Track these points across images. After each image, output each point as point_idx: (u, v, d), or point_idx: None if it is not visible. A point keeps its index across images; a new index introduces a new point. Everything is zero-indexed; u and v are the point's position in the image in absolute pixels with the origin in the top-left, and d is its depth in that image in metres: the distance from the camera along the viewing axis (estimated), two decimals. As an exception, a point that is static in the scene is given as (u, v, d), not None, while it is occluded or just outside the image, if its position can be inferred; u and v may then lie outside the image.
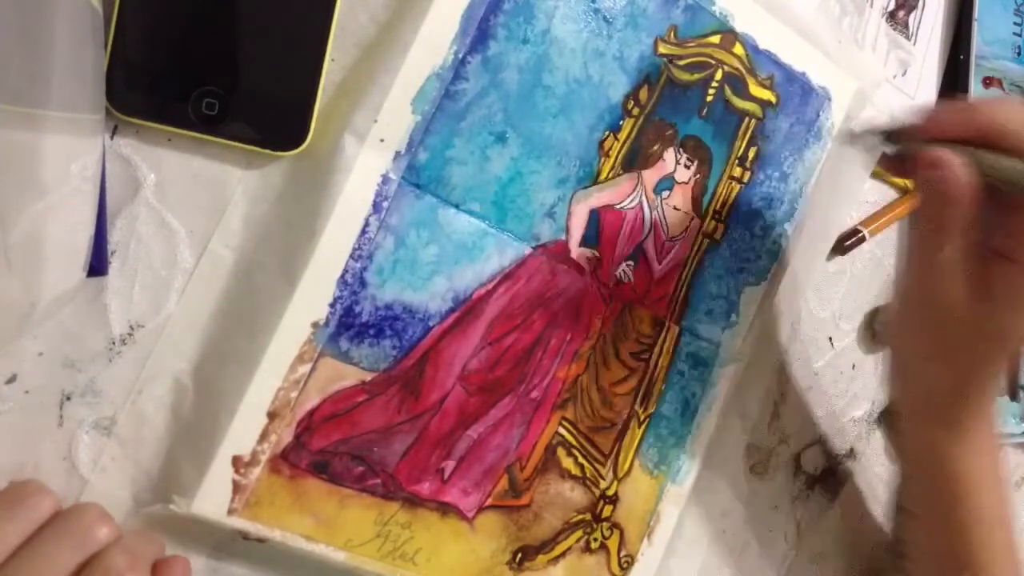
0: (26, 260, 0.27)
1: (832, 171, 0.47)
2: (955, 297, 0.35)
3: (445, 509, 0.39)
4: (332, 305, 0.35)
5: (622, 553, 0.45)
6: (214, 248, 0.34)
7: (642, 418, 0.44)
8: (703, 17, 0.41)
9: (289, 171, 0.35)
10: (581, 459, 0.43)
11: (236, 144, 0.33)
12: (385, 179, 0.35)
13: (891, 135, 0.37)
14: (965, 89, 0.51)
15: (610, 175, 0.41)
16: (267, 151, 0.34)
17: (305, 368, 0.35)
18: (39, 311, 0.28)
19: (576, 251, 0.40)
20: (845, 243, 0.50)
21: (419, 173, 0.36)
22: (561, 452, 0.42)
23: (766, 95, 0.44)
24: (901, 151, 0.37)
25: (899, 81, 0.50)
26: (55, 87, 0.27)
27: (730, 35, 0.42)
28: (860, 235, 0.50)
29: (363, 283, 0.36)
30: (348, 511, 0.37)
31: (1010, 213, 0.34)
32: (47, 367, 0.32)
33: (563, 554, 0.43)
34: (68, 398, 0.33)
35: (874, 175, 0.51)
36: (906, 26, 0.50)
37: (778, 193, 0.45)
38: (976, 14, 0.51)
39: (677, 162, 0.42)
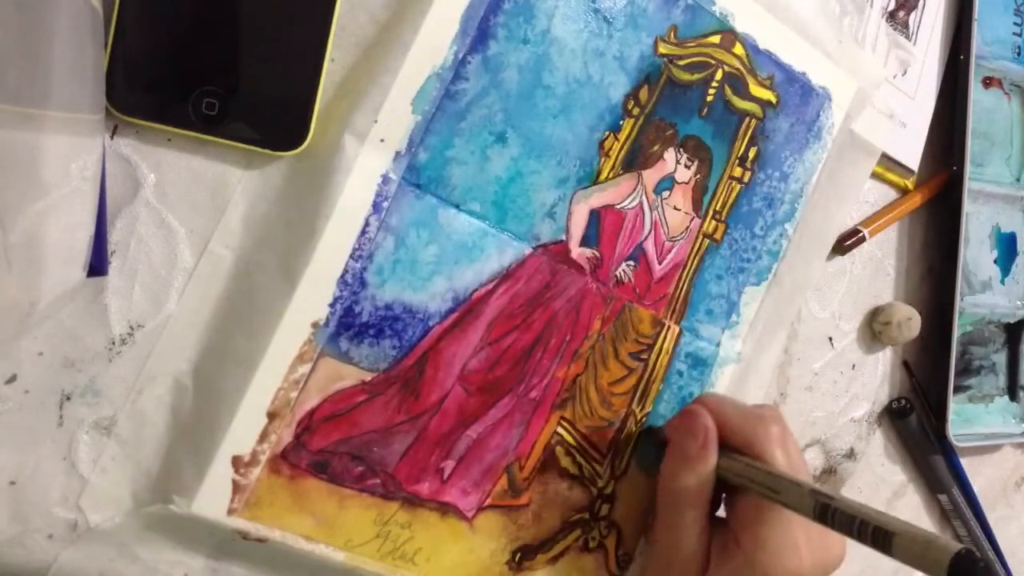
0: (26, 260, 0.27)
1: (832, 171, 0.47)
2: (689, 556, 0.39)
3: (445, 509, 0.39)
4: (332, 305, 0.35)
5: (620, 552, 0.45)
6: (214, 248, 0.34)
7: (640, 417, 0.44)
8: (703, 17, 0.41)
9: (289, 171, 0.35)
10: (579, 458, 0.43)
11: (236, 144, 0.33)
12: (385, 179, 0.35)
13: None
14: (965, 89, 0.51)
15: (610, 175, 0.41)
16: (267, 151, 0.34)
17: (305, 368, 0.35)
18: (39, 311, 0.28)
19: (576, 251, 0.40)
20: (845, 243, 0.50)
21: (419, 173, 0.36)
22: (560, 451, 0.42)
23: (766, 95, 0.44)
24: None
25: (899, 81, 0.50)
26: (55, 87, 0.27)
27: (730, 35, 0.42)
28: (860, 235, 0.50)
29: (363, 283, 0.36)
30: (348, 511, 0.37)
31: (734, 495, 0.39)
32: (47, 367, 0.32)
33: (562, 553, 0.43)
34: (68, 398, 0.33)
35: (874, 175, 0.51)
36: (906, 26, 0.50)
37: (778, 193, 0.45)
38: (976, 14, 0.51)
39: (677, 162, 0.42)
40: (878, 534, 0.31)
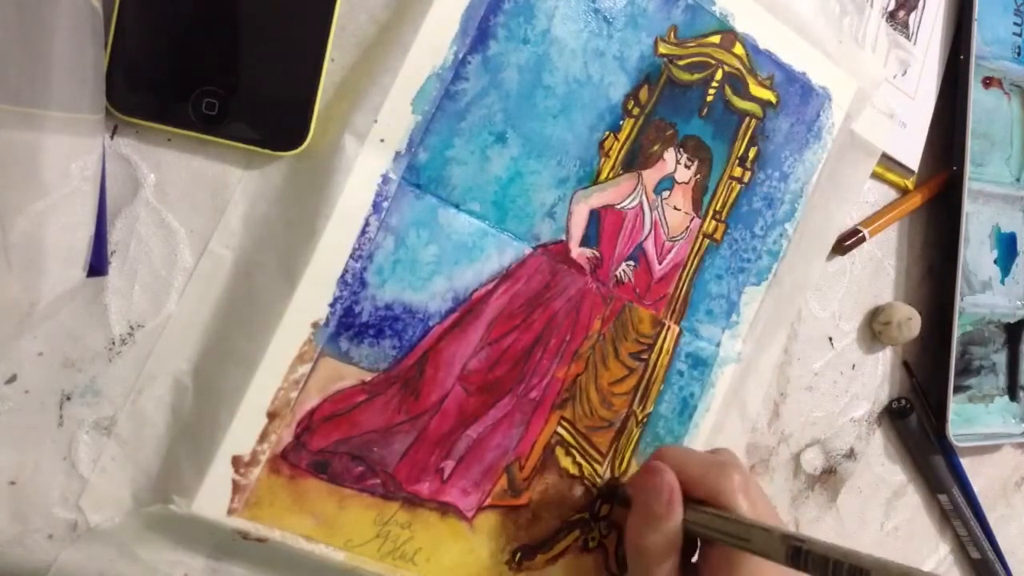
0: (26, 260, 0.27)
1: (832, 171, 0.47)
2: None
3: (445, 509, 0.39)
4: (332, 305, 0.35)
5: (620, 551, 0.45)
6: (214, 248, 0.34)
7: (640, 417, 0.44)
8: (703, 17, 0.41)
9: (289, 171, 0.35)
10: (579, 458, 0.43)
11: (236, 144, 0.33)
12: (385, 179, 0.35)
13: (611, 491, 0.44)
14: (965, 89, 0.51)
15: (610, 175, 0.41)
16: (267, 151, 0.34)
17: (305, 368, 0.35)
18: (39, 311, 0.28)
19: (576, 251, 0.40)
20: (845, 243, 0.50)
21: (419, 173, 0.36)
22: (560, 452, 0.42)
23: (766, 95, 0.44)
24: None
25: (899, 81, 0.50)
26: (55, 87, 0.27)
27: (730, 35, 0.42)
28: (860, 235, 0.50)
29: (363, 283, 0.36)
30: (348, 511, 0.37)
31: (705, 546, 0.39)
32: (47, 367, 0.32)
33: (562, 553, 0.43)
34: (68, 398, 0.33)
35: (874, 175, 0.51)
36: (906, 26, 0.50)
37: (778, 193, 0.45)
38: (976, 14, 0.51)
39: (677, 162, 0.42)
40: (853, 572, 0.31)
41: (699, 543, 0.40)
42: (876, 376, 0.55)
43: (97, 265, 0.32)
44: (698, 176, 0.43)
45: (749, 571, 0.37)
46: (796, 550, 0.33)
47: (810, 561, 0.32)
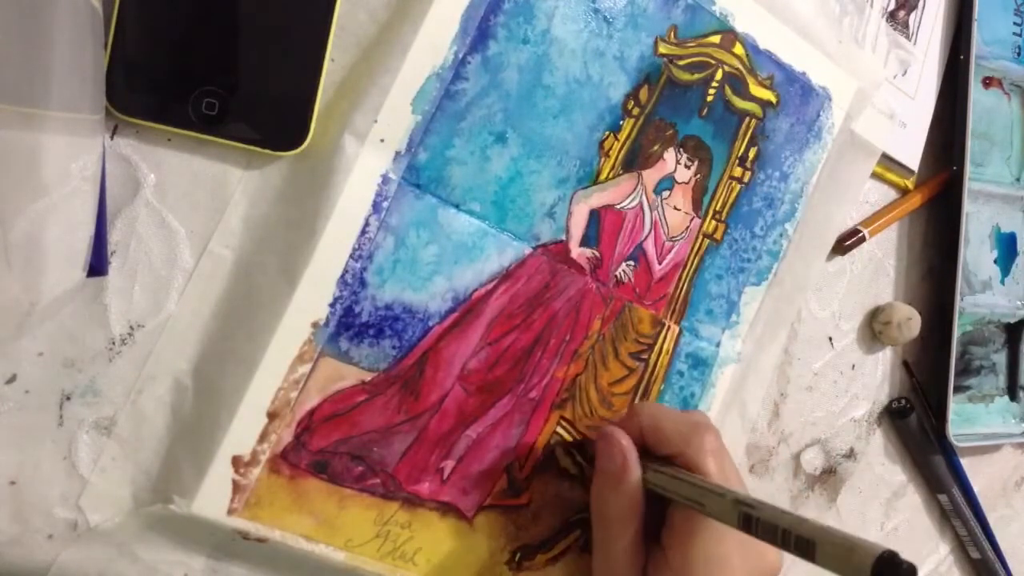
0: (26, 260, 0.27)
1: (832, 171, 0.47)
2: None
3: (445, 509, 0.39)
4: (332, 305, 0.35)
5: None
6: (214, 248, 0.34)
7: (642, 418, 0.44)
8: (703, 17, 0.41)
9: (289, 171, 0.35)
10: (579, 458, 0.43)
11: (236, 144, 0.33)
12: (385, 179, 0.35)
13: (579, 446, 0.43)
14: (965, 89, 0.51)
15: (610, 175, 0.41)
16: (267, 151, 0.34)
17: (305, 368, 0.35)
18: (39, 311, 0.28)
19: (576, 251, 0.40)
20: (845, 243, 0.50)
21: (419, 173, 0.36)
22: (559, 451, 0.42)
23: (766, 95, 0.44)
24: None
25: (899, 81, 0.50)
26: (55, 87, 0.27)
27: (730, 35, 0.42)
28: (860, 235, 0.50)
29: (363, 283, 0.36)
30: (348, 511, 0.37)
31: (670, 511, 0.38)
32: (47, 367, 0.32)
33: (562, 553, 0.43)
34: (68, 398, 0.33)
35: (874, 175, 0.51)
36: (906, 26, 0.50)
37: (778, 193, 0.45)
38: (976, 14, 0.51)
39: (677, 162, 0.42)
40: (801, 542, 0.30)
41: (665, 516, 0.39)
42: (876, 376, 0.55)
43: (97, 265, 0.32)
44: (698, 176, 0.43)
45: (708, 536, 0.36)
46: (747, 516, 0.32)
47: (760, 527, 0.32)
